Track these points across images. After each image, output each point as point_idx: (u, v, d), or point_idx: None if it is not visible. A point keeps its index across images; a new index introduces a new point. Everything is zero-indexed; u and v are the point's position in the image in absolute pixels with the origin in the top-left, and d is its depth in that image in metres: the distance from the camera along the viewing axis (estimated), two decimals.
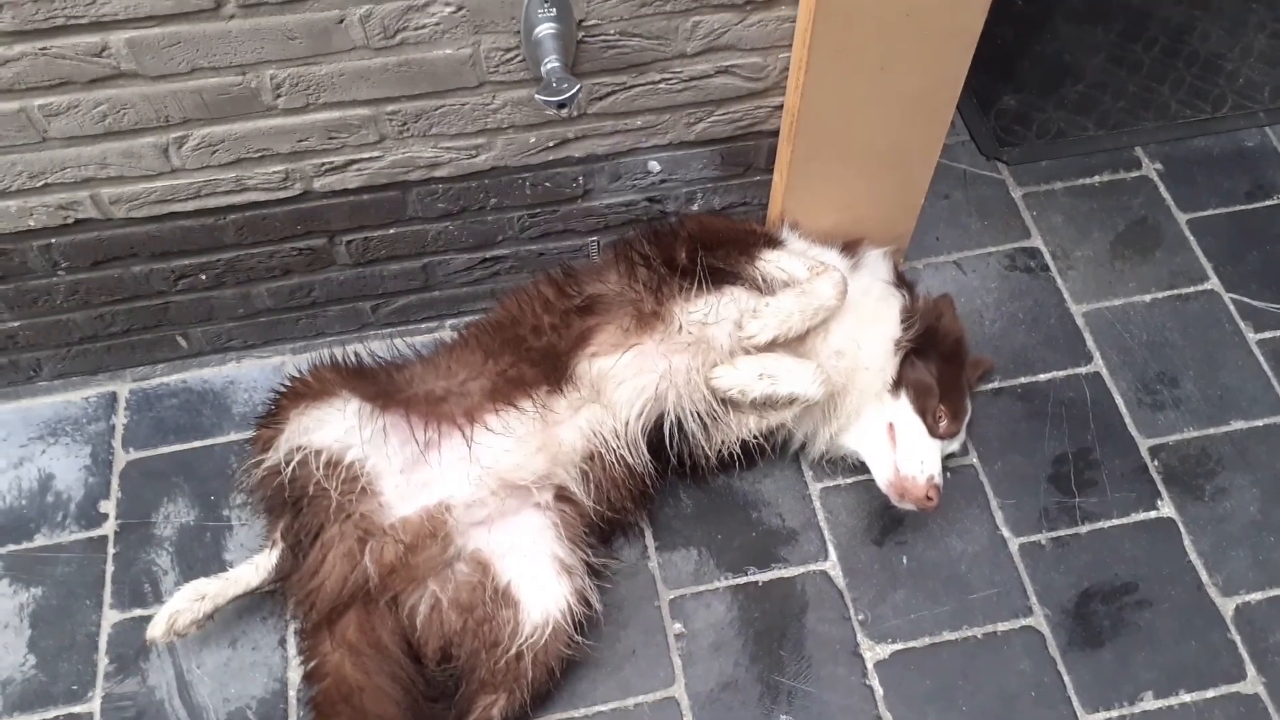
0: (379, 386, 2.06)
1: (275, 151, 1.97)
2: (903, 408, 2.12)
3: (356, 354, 2.19)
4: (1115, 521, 2.26)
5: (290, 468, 1.94)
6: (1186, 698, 2.07)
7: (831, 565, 2.21)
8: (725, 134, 2.16)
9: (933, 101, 2.08)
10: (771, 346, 2.04)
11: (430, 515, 1.97)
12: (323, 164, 2.02)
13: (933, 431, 2.10)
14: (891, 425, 2.11)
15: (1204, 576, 2.19)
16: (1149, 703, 2.06)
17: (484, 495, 2.00)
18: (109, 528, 2.25)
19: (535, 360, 2.08)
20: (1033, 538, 2.24)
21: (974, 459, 2.33)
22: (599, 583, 2.11)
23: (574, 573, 2.02)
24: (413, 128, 1.99)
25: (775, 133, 2.18)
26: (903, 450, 2.09)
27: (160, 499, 2.28)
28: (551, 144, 2.09)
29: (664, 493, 2.27)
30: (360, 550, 1.94)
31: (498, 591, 1.98)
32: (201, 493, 2.29)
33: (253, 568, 2.02)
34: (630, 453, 2.05)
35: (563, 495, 2.08)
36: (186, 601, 1.95)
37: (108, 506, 2.27)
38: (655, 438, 2.08)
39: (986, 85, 2.87)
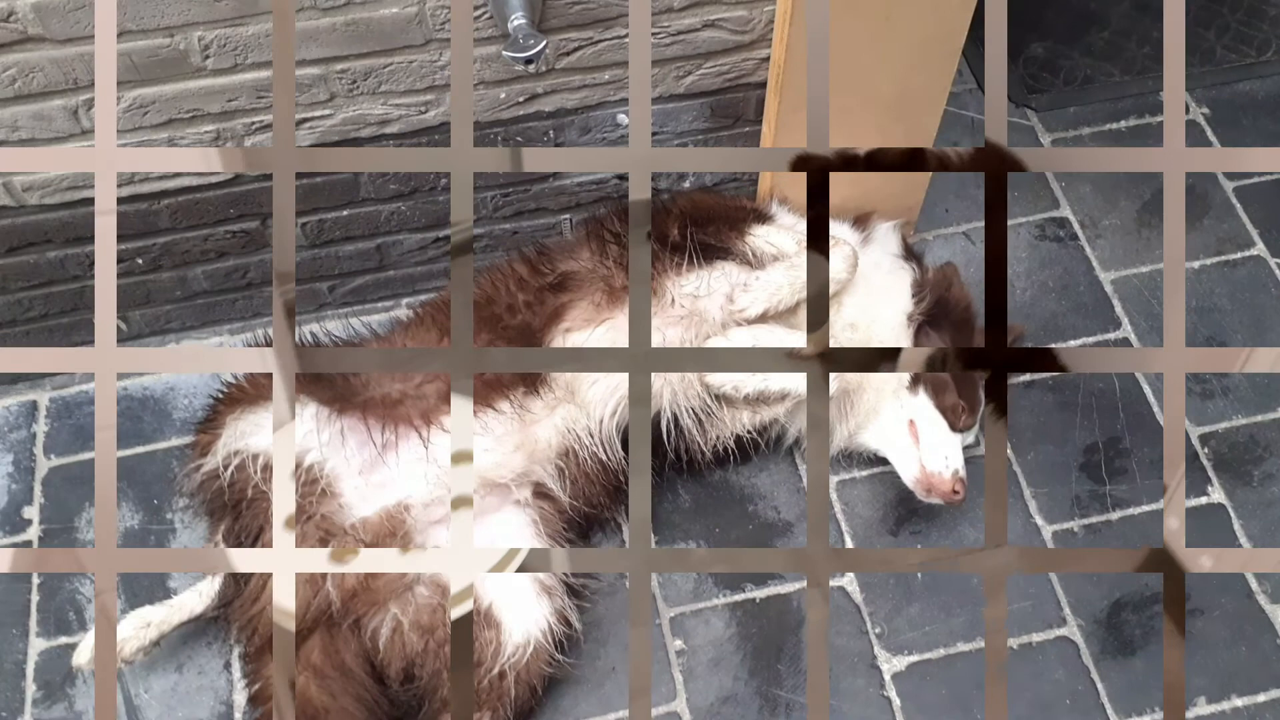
0: (335, 390, 1.98)
1: (206, 112, 1.84)
2: (922, 404, 2.11)
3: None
4: (1147, 508, 2.14)
5: (229, 472, 1.90)
6: (1239, 702, 1.96)
7: (848, 579, 2.11)
8: (714, 87, 2.04)
9: (938, 51, 1.97)
10: (763, 320, 2.02)
11: (389, 515, 1.92)
12: (252, 123, 1.89)
13: (953, 426, 2.10)
14: (912, 422, 2.10)
15: (1253, 584, 2.07)
16: (1201, 708, 1.96)
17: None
18: (33, 533, 2.12)
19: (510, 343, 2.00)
20: (1065, 526, 2.13)
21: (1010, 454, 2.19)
22: (584, 602, 2.03)
23: (553, 593, 1.96)
24: (362, 85, 1.87)
25: (763, 84, 2.05)
26: (926, 447, 2.08)
27: (85, 505, 2.14)
28: (521, 99, 1.97)
29: (659, 495, 2.17)
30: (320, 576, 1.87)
31: (479, 613, 1.91)
32: (143, 497, 2.15)
33: (196, 594, 1.96)
34: (605, 451, 2.01)
35: (541, 492, 2.03)
36: (132, 629, 1.90)
37: (31, 512, 2.14)
38: None
39: (1013, 34, 2.75)
